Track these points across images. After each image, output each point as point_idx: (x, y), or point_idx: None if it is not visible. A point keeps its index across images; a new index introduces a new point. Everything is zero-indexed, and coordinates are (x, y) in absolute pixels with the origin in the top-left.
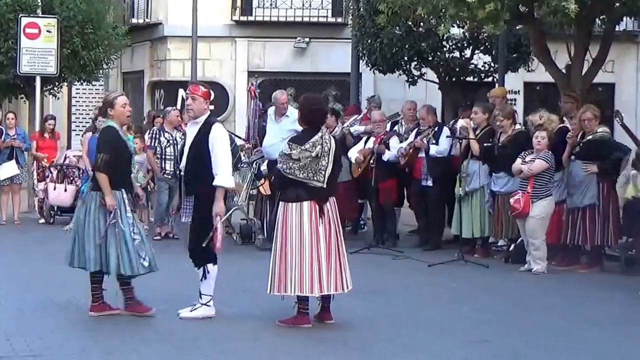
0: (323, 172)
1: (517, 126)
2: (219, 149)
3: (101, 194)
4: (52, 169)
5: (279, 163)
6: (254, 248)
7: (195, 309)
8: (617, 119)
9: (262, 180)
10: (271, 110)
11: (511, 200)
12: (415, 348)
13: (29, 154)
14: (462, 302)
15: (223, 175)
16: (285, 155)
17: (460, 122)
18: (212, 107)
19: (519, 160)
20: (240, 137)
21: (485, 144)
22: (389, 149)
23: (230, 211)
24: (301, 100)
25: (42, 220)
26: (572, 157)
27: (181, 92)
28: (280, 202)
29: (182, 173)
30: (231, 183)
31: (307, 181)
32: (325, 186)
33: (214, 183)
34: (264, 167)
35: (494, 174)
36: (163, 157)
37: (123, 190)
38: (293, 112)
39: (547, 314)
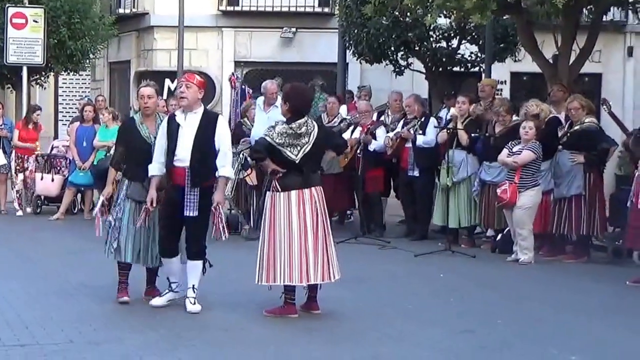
0: (299, 148)
1: (514, 117)
2: (227, 144)
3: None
4: (38, 158)
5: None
6: (240, 238)
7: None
8: (605, 107)
9: (249, 170)
10: (260, 101)
11: (498, 190)
12: (401, 338)
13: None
14: (449, 292)
15: (229, 166)
16: (270, 127)
17: (452, 111)
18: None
19: (505, 152)
20: None
21: (473, 134)
22: (375, 139)
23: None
24: (288, 89)
25: (20, 213)
26: (560, 147)
27: (167, 82)
28: (268, 192)
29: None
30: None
31: (282, 149)
32: (298, 161)
33: (222, 174)
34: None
35: (486, 164)
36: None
37: (132, 180)
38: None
39: (534, 304)
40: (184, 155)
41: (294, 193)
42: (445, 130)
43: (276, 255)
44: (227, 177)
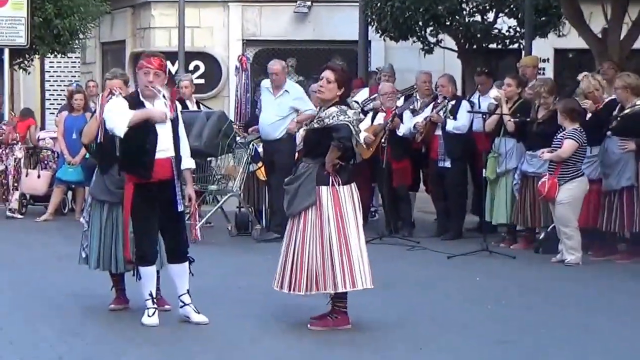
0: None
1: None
2: (183, 129)
3: None
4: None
5: (329, 120)
6: (251, 239)
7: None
8: None
9: (260, 164)
10: (267, 84)
11: (539, 182)
12: (432, 349)
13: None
14: (486, 297)
15: (189, 156)
16: (338, 111)
17: (494, 92)
18: (202, 80)
19: (544, 151)
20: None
21: (520, 119)
22: (402, 123)
23: (225, 198)
24: (341, 72)
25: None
26: (608, 132)
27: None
28: (323, 187)
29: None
30: None
31: (358, 138)
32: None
33: (188, 165)
34: (261, 149)
35: (528, 153)
36: None
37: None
38: (293, 88)
39: (582, 310)
40: (167, 145)
41: (354, 186)
42: (481, 116)
43: (352, 256)
44: (191, 169)
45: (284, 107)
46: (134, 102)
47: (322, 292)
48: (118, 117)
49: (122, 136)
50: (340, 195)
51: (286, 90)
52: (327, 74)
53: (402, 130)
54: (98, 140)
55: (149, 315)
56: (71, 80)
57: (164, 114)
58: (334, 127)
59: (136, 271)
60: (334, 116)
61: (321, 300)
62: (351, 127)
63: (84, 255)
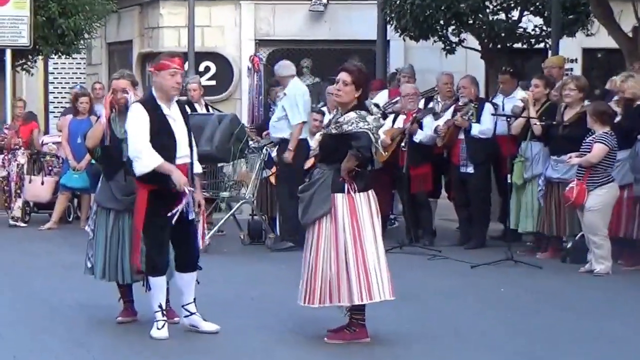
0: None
1: (587, 102)
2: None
3: None
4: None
5: (348, 126)
6: (264, 248)
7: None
8: None
9: (273, 169)
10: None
11: (567, 188)
12: None
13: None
14: (511, 309)
15: (197, 160)
16: (357, 117)
17: (521, 94)
18: (213, 82)
19: (572, 155)
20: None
21: (546, 122)
22: (422, 129)
23: (237, 205)
24: (357, 72)
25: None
26: (639, 135)
27: None
28: (338, 195)
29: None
30: None
31: (378, 146)
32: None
33: (197, 170)
34: (274, 153)
35: (553, 158)
36: None
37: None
38: (290, 91)
39: (613, 323)
40: (184, 151)
41: (370, 193)
42: (506, 119)
43: (368, 266)
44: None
45: (281, 108)
46: (151, 107)
47: (337, 305)
48: (148, 154)
49: (144, 173)
50: (356, 202)
51: (284, 93)
52: (343, 76)
53: (419, 137)
54: (104, 144)
55: (158, 328)
56: (76, 83)
57: (184, 186)
58: (353, 135)
59: (146, 282)
60: (353, 122)
61: (338, 312)
62: (371, 135)
63: (89, 265)
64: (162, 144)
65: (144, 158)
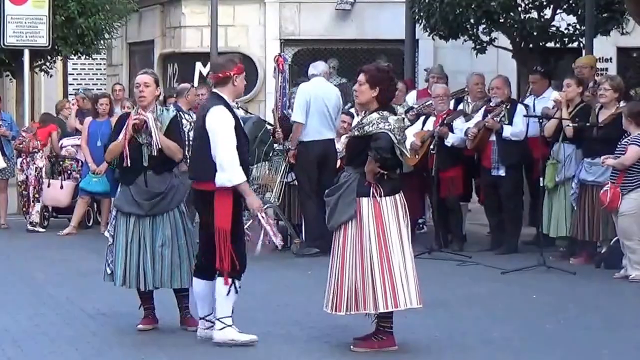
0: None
1: (622, 103)
2: None
3: None
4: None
5: (369, 127)
6: (290, 254)
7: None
8: None
9: None
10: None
11: (601, 191)
12: None
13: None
14: (544, 317)
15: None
16: (379, 117)
17: (555, 94)
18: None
19: (607, 157)
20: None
21: (579, 124)
22: (452, 132)
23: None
24: (375, 70)
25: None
26: None
27: (198, 66)
28: (363, 199)
29: None
30: None
31: (401, 148)
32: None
33: None
34: None
35: (587, 160)
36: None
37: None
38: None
39: None
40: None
41: (398, 197)
42: (538, 120)
43: (394, 272)
44: None
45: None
46: (230, 111)
47: (363, 312)
48: (236, 168)
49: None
50: (382, 207)
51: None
52: (360, 76)
53: (450, 140)
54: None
55: (240, 331)
56: (96, 84)
57: (257, 211)
58: (373, 136)
59: (232, 286)
60: (374, 123)
61: (366, 320)
62: (391, 135)
63: (109, 271)
64: (242, 152)
65: (230, 171)
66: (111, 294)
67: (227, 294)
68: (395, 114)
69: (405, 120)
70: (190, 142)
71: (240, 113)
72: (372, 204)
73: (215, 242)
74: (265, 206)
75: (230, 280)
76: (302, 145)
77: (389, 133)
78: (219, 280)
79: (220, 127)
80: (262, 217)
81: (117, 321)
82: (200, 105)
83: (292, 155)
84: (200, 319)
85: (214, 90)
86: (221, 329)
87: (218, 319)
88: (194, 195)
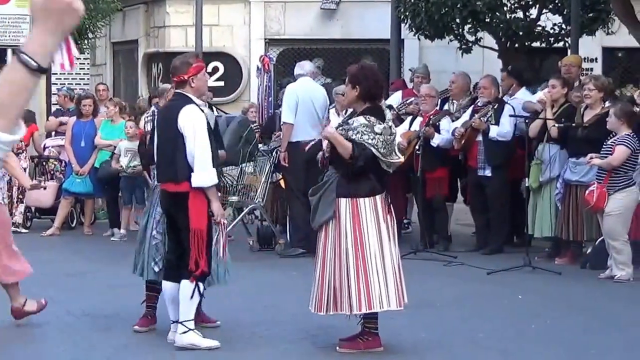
0: (397, 150)
1: (607, 103)
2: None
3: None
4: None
5: (354, 134)
6: (274, 255)
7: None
8: None
9: None
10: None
11: (587, 191)
12: None
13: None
14: (529, 317)
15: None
16: (365, 125)
17: (539, 95)
18: (221, 83)
19: (593, 156)
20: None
21: (564, 125)
22: (438, 132)
23: (245, 210)
24: (355, 70)
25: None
26: None
27: None
28: (342, 199)
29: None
30: None
31: (385, 159)
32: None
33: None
34: None
35: (571, 160)
36: None
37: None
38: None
39: (635, 329)
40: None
41: (379, 198)
42: (524, 120)
43: (370, 274)
44: None
45: None
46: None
47: (341, 313)
48: (211, 169)
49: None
50: (360, 208)
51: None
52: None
53: (436, 141)
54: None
55: (203, 336)
56: (79, 84)
57: (220, 218)
58: (356, 143)
59: (196, 288)
60: (359, 132)
61: (352, 321)
62: (374, 150)
63: (156, 269)
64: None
65: (210, 171)
66: (96, 294)
67: (191, 297)
68: (384, 118)
69: (393, 127)
70: (155, 144)
71: (207, 111)
72: (350, 205)
73: (189, 243)
74: (250, 206)
75: (194, 281)
76: (290, 145)
77: (372, 149)
78: (184, 283)
79: (198, 127)
80: (223, 224)
81: (104, 322)
82: (166, 106)
83: (283, 158)
84: (172, 322)
85: (177, 90)
86: (183, 332)
87: (181, 322)
88: (163, 198)
